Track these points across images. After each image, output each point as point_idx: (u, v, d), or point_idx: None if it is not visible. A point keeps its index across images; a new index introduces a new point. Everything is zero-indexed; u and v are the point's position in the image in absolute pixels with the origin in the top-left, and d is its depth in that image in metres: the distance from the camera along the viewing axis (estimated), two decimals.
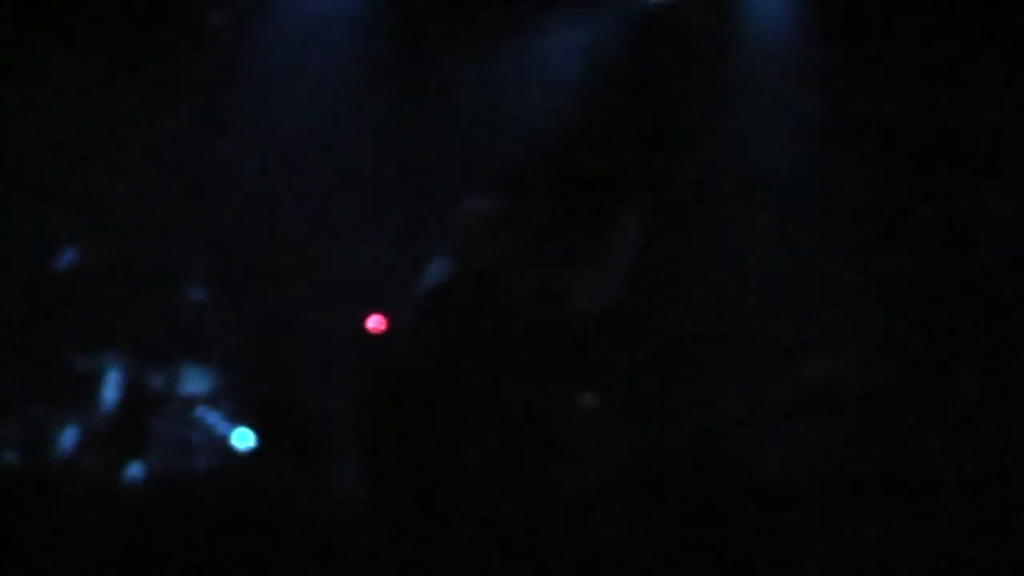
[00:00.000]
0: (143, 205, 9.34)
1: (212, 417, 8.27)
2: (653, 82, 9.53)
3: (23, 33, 9.21)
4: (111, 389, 8.07)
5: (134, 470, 7.72)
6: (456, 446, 5.96)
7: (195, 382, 8.44)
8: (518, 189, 6.49)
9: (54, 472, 7.29)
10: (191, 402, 8.34)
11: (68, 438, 7.78)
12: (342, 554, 5.62)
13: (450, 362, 6.09)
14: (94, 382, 8.15)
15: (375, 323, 9.18)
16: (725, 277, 9.38)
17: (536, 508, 5.84)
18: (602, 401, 7.86)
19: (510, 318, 6.07)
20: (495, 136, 9.33)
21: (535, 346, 6.07)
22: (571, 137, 9.41)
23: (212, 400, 8.35)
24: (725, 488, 5.78)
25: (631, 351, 9.03)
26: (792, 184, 9.40)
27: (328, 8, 9.58)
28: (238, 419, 8.29)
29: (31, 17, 9.30)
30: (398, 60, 9.60)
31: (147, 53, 9.39)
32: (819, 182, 9.36)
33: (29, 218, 9.13)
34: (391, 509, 5.65)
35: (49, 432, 7.74)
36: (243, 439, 8.21)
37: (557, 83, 9.54)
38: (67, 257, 8.57)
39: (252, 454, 8.01)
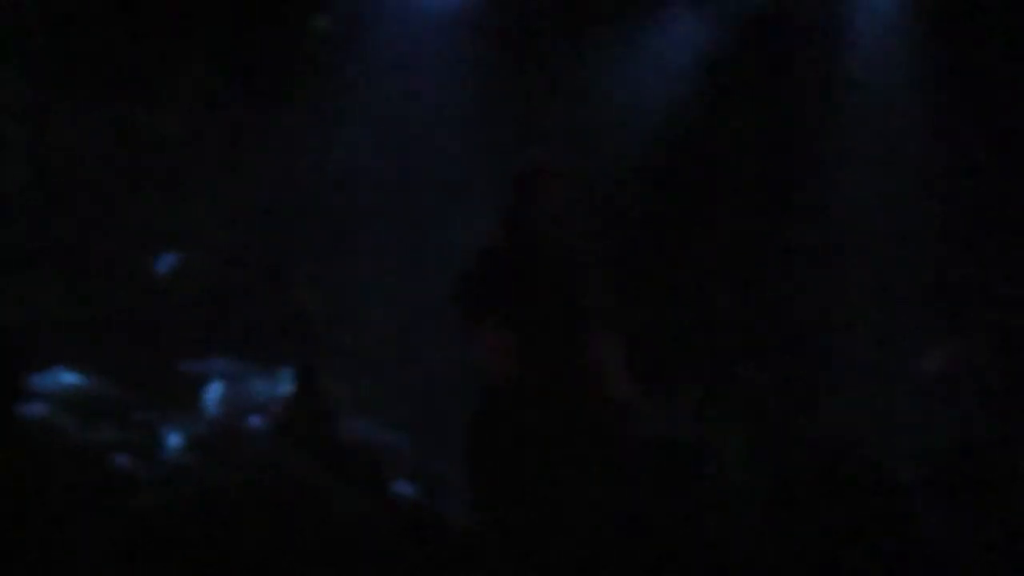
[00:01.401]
0: (250, 209, 9.36)
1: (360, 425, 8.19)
2: (762, 76, 9.45)
3: (127, 38, 9.27)
4: (216, 392, 8.05)
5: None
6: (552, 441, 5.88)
7: None
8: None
9: (158, 475, 7.26)
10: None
11: (173, 441, 7.76)
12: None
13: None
14: (199, 386, 8.15)
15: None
16: (844, 270, 9.30)
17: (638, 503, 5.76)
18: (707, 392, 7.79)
19: (567, 277, 6.01)
20: (602, 131, 9.28)
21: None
22: (680, 130, 9.37)
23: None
24: (848, 480, 5.65)
25: (746, 347, 8.96)
26: (905, 179, 9.31)
27: (432, 6, 9.54)
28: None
29: (138, 22, 9.34)
30: (502, 56, 9.55)
31: (254, 57, 9.41)
32: (931, 178, 9.26)
33: (134, 221, 9.16)
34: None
35: (154, 435, 7.73)
36: None
37: (667, 77, 9.48)
38: (167, 261, 8.57)
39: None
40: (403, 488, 7.67)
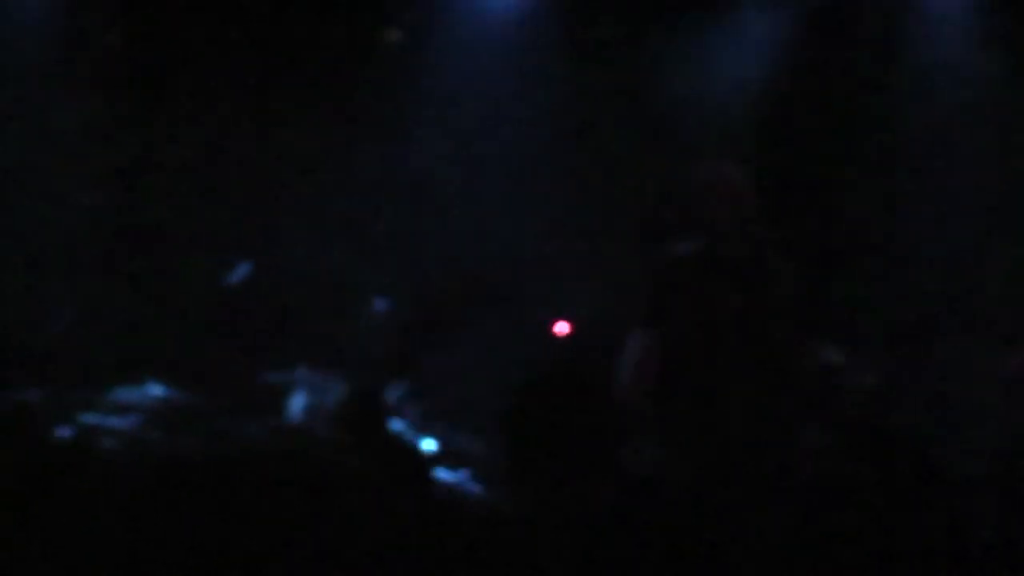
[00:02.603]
0: (326, 218, 9.49)
1: (399, 425, 8.32)
2: (830, 75, 9.44)
3: (205, 53, 9.44)
4: (298, 400, 8.18)
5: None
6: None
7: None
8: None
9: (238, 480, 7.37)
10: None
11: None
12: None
13: (694, 337, 6.08)
14: (281, 394, 8.28)
15: (560, 328, 9.22)
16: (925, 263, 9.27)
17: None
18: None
19: (745, 288, 6.06)
20: (674, 135, 9.32)
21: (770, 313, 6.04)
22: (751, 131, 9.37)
23: (398, 409, 8.42)
24: (908, 469, 5.69)
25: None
26: (975, 175, 9.26)
27: (501, 14, 9.64)
28: (424, 426, 8.34)
29: (216, 38, 9.51)
30: (573, 62, 9.61)
31: (328, 71, 9.54)
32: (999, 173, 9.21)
33: (214, 233, 9.33)
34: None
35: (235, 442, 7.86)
36: (428, 446, 8.26)
37: (737, 76, 9.49)
38: (241, 271, 8.72)
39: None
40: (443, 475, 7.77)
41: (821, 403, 7.10)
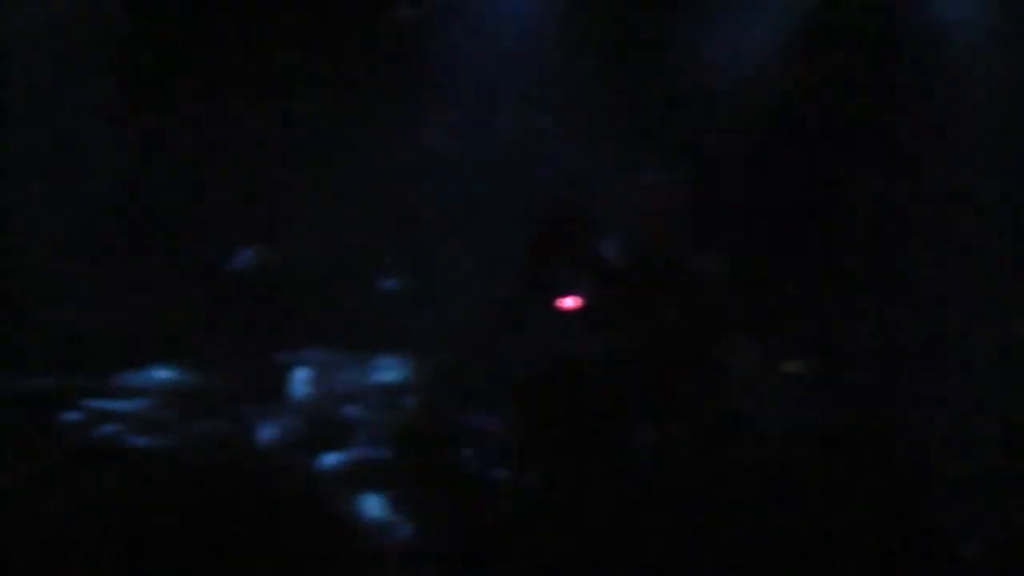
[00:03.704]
0: (334, 199, 9.52)
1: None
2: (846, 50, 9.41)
3: (211, 32, 9.46)
4: (301, 377, 8.21)
5: (331, 459, 7.81)
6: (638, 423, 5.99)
7: (390, 371, 8.53)
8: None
9: (253, 466, 7.37)
10: (387, 391, 8.43)
11: (266, 432, 7.92)
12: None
13: (629, 343, 6.13)
14: (289, 376, 8.31)
15: (567, 302, 9.20)
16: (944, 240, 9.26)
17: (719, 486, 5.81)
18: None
19: (685, 296, 6.09)
20: (682, 115, 9.30)
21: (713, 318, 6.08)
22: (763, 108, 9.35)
23: (407, 389, 8.43)
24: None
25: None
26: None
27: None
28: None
29: (223, 15, 9.53)
30: (589, 36, 9.61)
31: (337, 49, 9.55)
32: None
33: (222, 216, 9.36)
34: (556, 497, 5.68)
35: (248, 427, 7.90)
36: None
37: (747, 54, 9.48)
38: (244, 256, 8.76)
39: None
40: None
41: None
